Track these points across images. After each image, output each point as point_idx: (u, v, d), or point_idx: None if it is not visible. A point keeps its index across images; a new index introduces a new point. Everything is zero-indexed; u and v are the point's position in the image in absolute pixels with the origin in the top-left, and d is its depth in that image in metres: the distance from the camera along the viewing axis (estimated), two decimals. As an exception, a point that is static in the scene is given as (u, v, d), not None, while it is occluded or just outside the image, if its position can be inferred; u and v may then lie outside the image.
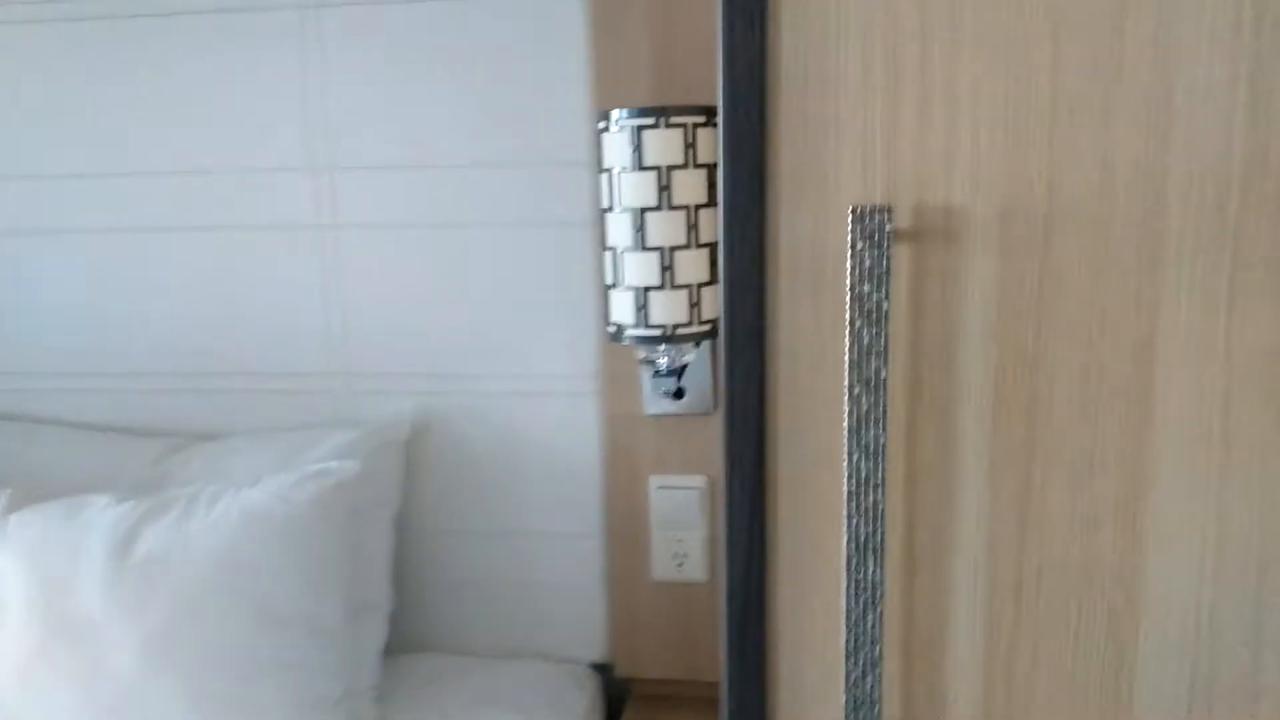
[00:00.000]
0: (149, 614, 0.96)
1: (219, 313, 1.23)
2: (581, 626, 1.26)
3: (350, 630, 1.07)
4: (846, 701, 0.68)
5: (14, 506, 1.03)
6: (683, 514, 1.18)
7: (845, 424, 0.64)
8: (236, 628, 0.98)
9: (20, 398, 1.29)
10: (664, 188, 0.97)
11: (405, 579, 1.25)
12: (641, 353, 1.07)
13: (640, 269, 0.99)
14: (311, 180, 1.18)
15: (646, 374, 1.14)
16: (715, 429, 1.16)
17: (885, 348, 0.63)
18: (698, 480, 1.17)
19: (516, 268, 1.18)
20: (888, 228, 0.62)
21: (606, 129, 0.99)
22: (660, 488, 1.18)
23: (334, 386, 1.24)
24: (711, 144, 1.00)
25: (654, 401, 1.15)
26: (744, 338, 0.66)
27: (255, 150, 1.19)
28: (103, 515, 1.01)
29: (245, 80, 1.17)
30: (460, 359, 1.21)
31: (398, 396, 1.22)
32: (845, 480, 0.65)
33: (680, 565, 1.20)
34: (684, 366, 1.10)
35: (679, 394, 1.13)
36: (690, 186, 0.98)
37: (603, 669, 1.26)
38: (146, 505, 1.02)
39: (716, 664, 1.21)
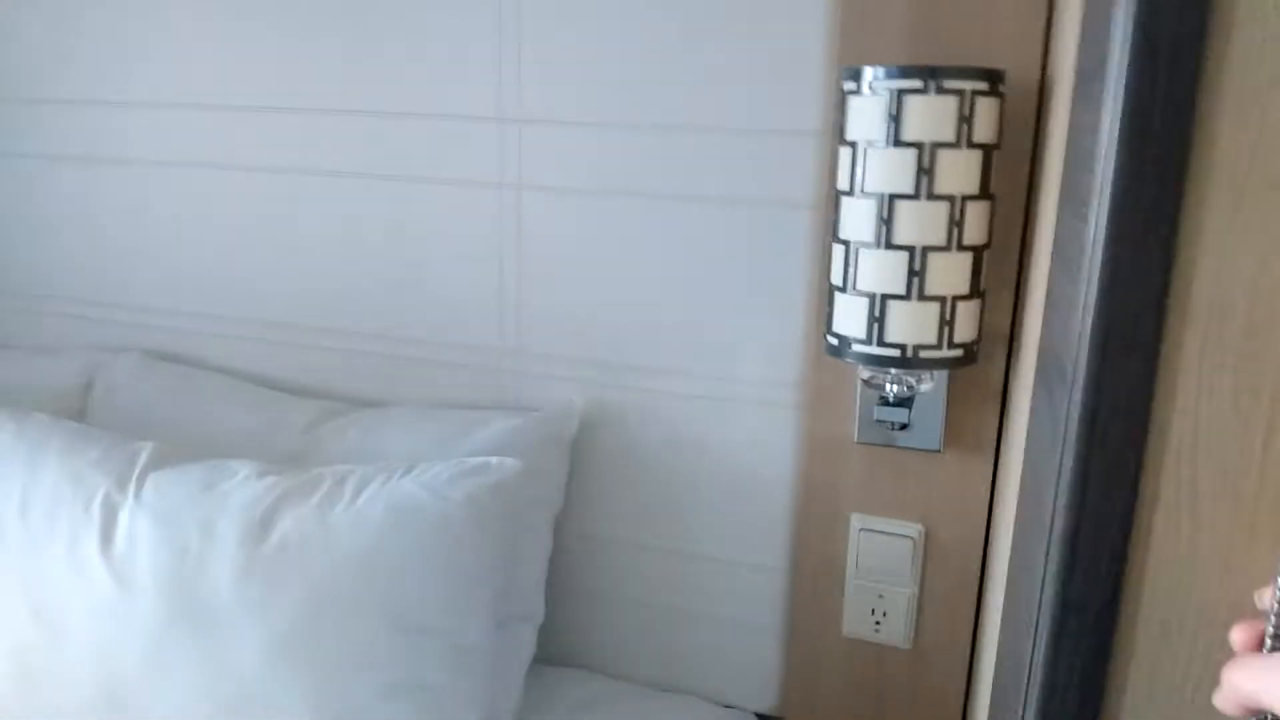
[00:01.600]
0: (279, 609, 0.86)
1: (387, 270, 1.12)
2: (751, 671, 1.08)
3: (495, 647, 0.94)
4: None
5: (155, 464, 0.95)
6: (888, 565, 0.98)
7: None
8: (371, 634, 0.87)
9: (176, 338, 1.23)
10: (925, 171, 0.76)
11: (557, 587, 1.11)
12: (866, 374, 0.87)
13: (881, 271, 0.79)
14: (499, 133, 1.04)
15: (866, 396, 0.94)
16: (943, 469, 0.95)
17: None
18: (912, 529, 0.97)
19: (718, 251, 0.99)
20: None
21: (856, 91, 0.79)
22: (864, 529, 0.98)
23: (503, 365, 1.10)
24: (992, 118, 0.78)
25: (869, 429, 0.95)
26: (1115, 415, 0.46)
27: (441, 96, 1.06)
28: (242, 489, 0.91)
29: (437, 20, 1.04)
30: (643, 349, 1.04)
31: (569, 384, 1.08)
32: None
33: (878, 625, 1.00)
34: (911, 395, 0.89)
35: (903, 426, 0.92)
36: (959, 172, 0.77)
37: (769, 721, 1.09)
38: (288, 483, 0.92)
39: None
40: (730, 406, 1.03)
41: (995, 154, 0.79)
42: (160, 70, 1.17)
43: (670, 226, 1.00)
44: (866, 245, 0.80)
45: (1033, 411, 0.69)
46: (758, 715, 1.09)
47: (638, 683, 1.12)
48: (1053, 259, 0.65)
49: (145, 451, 0.96)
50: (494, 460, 0.93)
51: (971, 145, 0.76)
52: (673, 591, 1.09)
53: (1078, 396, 0.48)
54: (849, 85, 0.80)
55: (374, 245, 1.12)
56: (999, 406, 0.91)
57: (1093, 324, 0.45)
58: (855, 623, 1.01)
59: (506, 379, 1.11)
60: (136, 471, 0.94)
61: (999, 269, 0.87)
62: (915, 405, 0.91)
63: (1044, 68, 0.83)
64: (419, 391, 1.14)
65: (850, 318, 0.82)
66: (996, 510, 0.92)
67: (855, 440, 0.96)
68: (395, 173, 1.09)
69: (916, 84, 0.75)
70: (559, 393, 1.08)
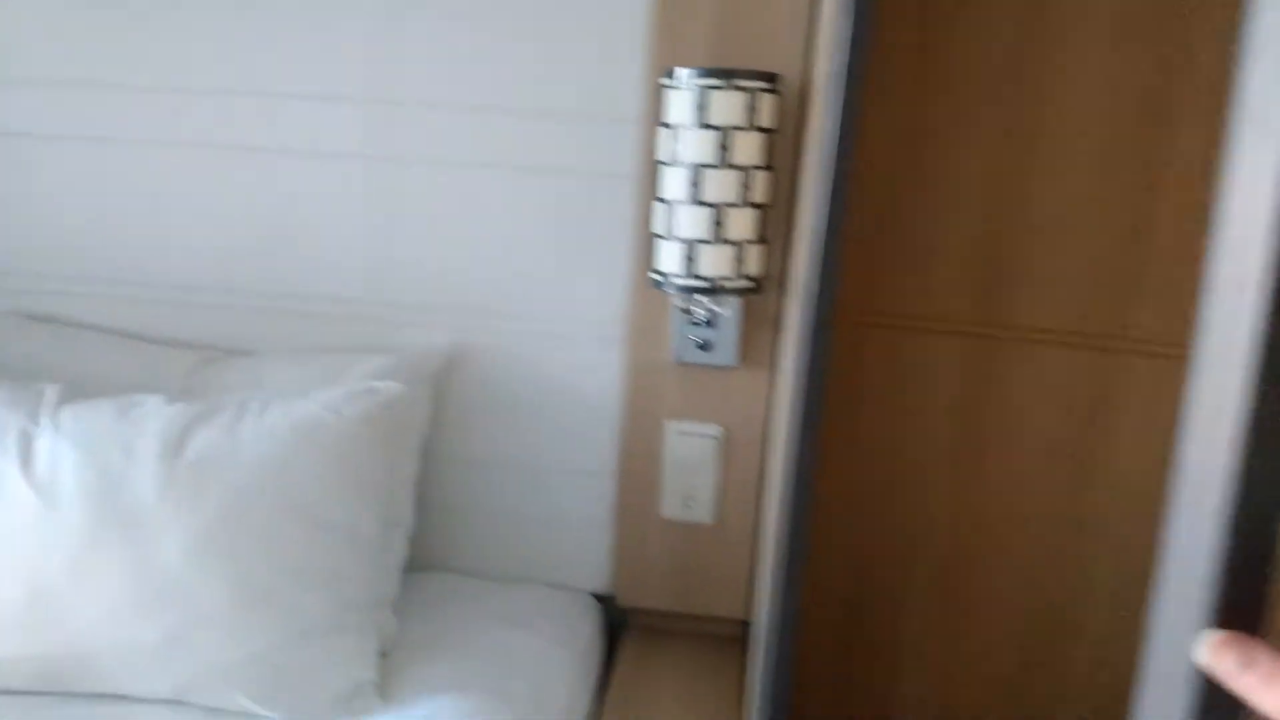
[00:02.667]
0: (199, 512, 1.00)
1: (261, 233, 1.26)
2: (587, 558, 1.33)
3: (380, 542, 1.13)
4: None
5: (66, 399, 1.05)
6: (697, 459, 1.25)
7: None
8: (280, 529, 1.03)
9: (58, 300, 1.30)
10: (724, 147, 1.03)
11: (425, 502, 1.30)
12: (681, 302, 1.14)
13: (692, 222, 1.05)
14: (365, 110, 1.21)
15: (678, 323, 1.20)
16: (736, 381, 1.23)
17: None
18: (715, 429, 1.24)
19: (556, 213, 1.22)
20: None
21: (673, 86, 1.04)
22: (678, 433, 1.25)
23: (371, 314, 1.27)
24: (772, 109, 1.05)
25: (682, 351, 1.21)
26: (825, 327, 0.72)
27: (312, 75, 1.21)
28: (156, 414, 1.04)
29: (308, 5, 1.19)
30: (496, 297, 1.25)
31: (432, 329, 1.27)
32: None
33: (689, 507, 1.27)
34: (714, 319, 1.17)
35: (706, 345, 1.20)
36: (749, 149, 1.04)
37: (606, 599, 1.34)
38: (197, 409, 1.06)
39: (713, 599, 1.29)
40: (569, 341, 1.26)
41: (775, 136, 1.07)
42: (37, 46, 1.24)
43: (517, 193, 1.22)
44: (681, 203, 1.05)
45: (791, 329, 0.97)
46: (595, 595, 1.34)
47: (496, 579, 1.33)
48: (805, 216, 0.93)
49: (52, 390, 1.06)
50: (381, 384, 1.12)
51: (757, 129, 1.04)
52: (522, 499, 1.31)
53: (810, 315, 0.75)
54: (666, 82, 1.05)
55: (248, 210, 1.25)
56: (776, 329, 1.20)
57: (815, 256, 0.73)
58: (671, 507, 1.28)
59: (373, 326, 1.28)
60: (48, 407, 1.04)
61: (776, 222, 1.16)
62: (716, 330, 1.19)
63: (806, 72, 1.12)
64: (293, 341, 1.29)
65: (670, 258, 1.07)
66: (772, 413, 1.21)
67: (671, 361, 1.23)
68: (269, 145, 1.23)
69: (718, 82, 1.02)
70: (423, 337, 1.27)
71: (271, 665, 1.01)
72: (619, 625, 1.34)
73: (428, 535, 1.31)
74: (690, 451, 1.25)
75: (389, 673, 1.08)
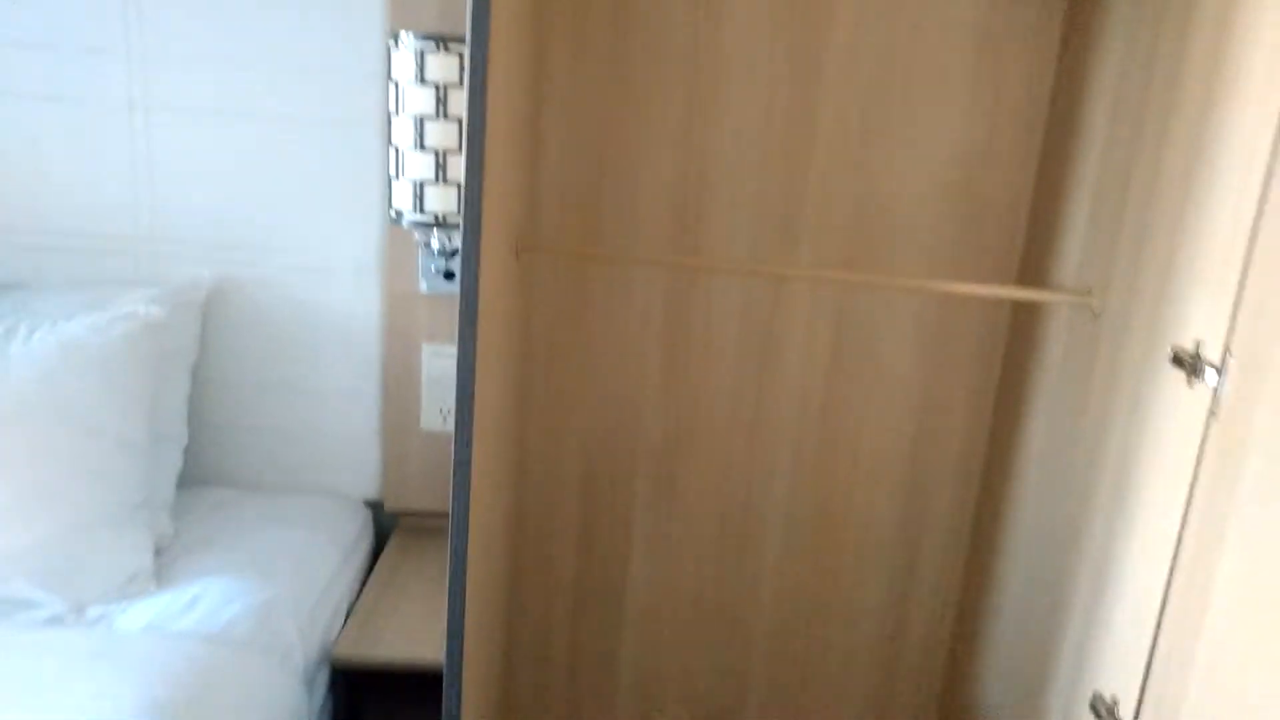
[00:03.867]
0: (-27, 424, 1.12)
1: (28, 175, 1.36)
2: (359, 469, 1.50)
3: (152, 452, 1.27)
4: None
5: None
6: (449, 376, 1.44)
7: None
8: (53, 436, 1.15)
9: None
10: (441, 101, 1.21)
11: (201, 421, 1.44)
12: (422, 236, 1.31)
13: (419, 166, 1.23)
14: (128, 64, 1.33)
15: (423, 256, 1.38)
16: (479, 307, 1.41)
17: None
18: (462, 349, 1.43)
19: (315, 159, 1.37)
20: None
21: (397, 47, 1.21)
22: (431, 354, 1.43)
23: (139, 249, 1.40)
24: (483, 70, 1.23)
25: (430, 282, 1.39)
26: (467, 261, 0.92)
27: (76, 28, 1.31)
28: (-78, 338, 1.15)
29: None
30: (259, 234, 1.40)
31: (198, 264, 1.40)
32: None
33: (444, 418, 1.46)
34: (455, 251, 1.35)
35: (449, 275, 1.38)
36: (462, 103, 1.22)
37: (375, 505, 1.51)
38: (-35, 331, 1.17)
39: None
40: (331, 275, 1.42)
41: (486, 92, 1.25)
42: None
43: (277, 141, 1.36)
44: (409, 149, 1.23)
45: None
46: (365, 501, 1.51)
47: (272, 491, 1.48)
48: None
49: None
50: (142, 309, 1.25)
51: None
52: (294, 418, 1.47)
53: (466, 244, 0.94)
54: (392, 43, 1.21)
55: (14, 155, 1.35)
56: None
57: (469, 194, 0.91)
58: (430, 420, 1.46)
59: (143, 262, 1.40)
60: None
61: (502, 169, 1.35)
62: (455, 261, 1.37)
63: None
64: (64, 276, 1.40)
65: (403, 198, 1.25)
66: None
67: (421, 291, 1.40)
68: (37, 94, 1.33)
69: (433, 45, 1.19)
70: (190, 270, 1.40)
71: (50, 555, 1.14)
72: (390, 528, 1.52)
73: (205, 451, 1.46)
74: (445, 370, 1.44)
75: (164, 565, 1.23)
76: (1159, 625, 0.91)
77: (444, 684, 1.04)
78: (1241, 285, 0.83)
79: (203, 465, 1.46)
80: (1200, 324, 0.90)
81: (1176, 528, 0.89)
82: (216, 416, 1.46)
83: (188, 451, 1.41)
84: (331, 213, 1.39)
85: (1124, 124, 1.12)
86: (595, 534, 1.52)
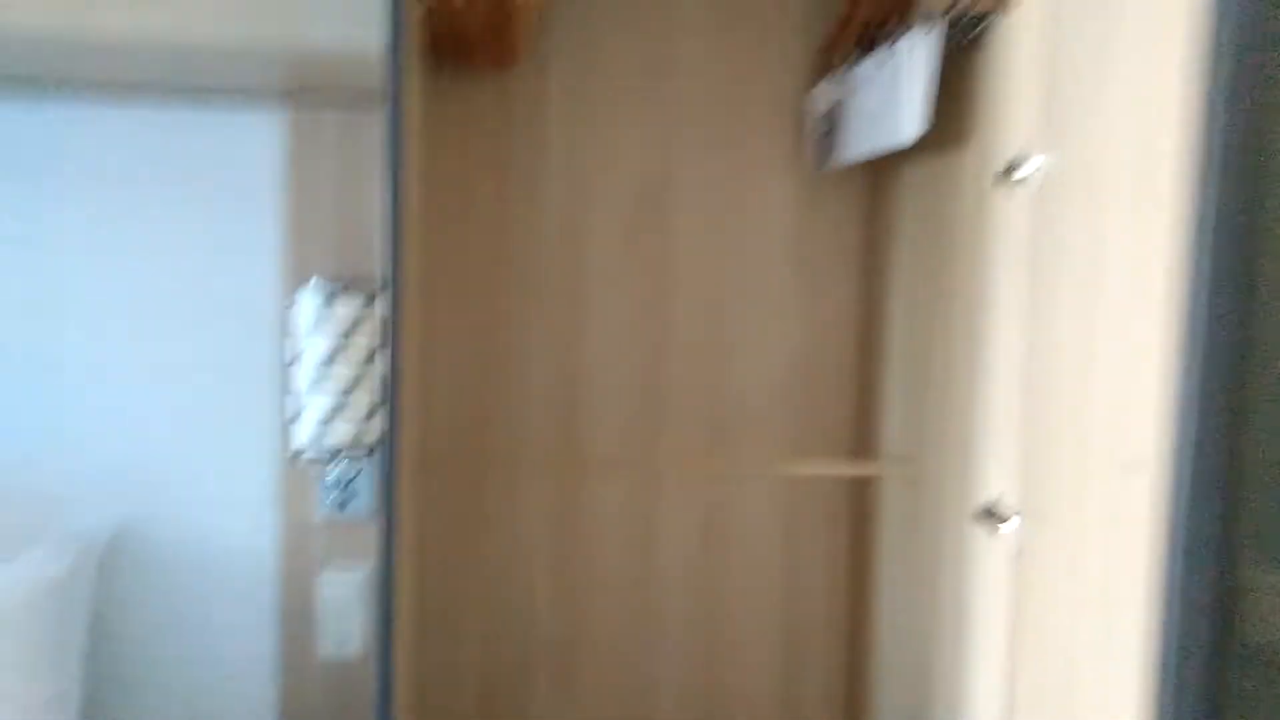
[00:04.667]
0: None
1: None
2: (258, 704, 1.49)
3: (57, 707, 1.25)
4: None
5: None
6: (347, 600, 1.49)
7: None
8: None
9: None
10: (344, 337, 1.34)
11: (100, 670, 1.42)
12: (320, 468, 1.41)
13: (321, 404, 1.34)
14: (25, 322, 1.40)
15: (323, 491, 1.46)
16: (374, 529, 1.49)
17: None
18: (359, 572, 1.49)
19: (210, 402, 1.46)
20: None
21: (302, 292, 1.35)
22: (328, 580, 1.49)
23: (34, 503, 1.42)
24: (379, 309, 1.39)
25: (326, 508, 1.47)
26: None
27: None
28: None
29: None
30: (158, 479, 1.45)
31: (101, 507, 1.43)
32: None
33: (342, 644, 1.49)
34: (351, 479, 1.44)
35: (345, 502, 1.46)
36: (363, 341, 1.36)
37: (274, 738, 1.51)
38: None
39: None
40: (227, 511, 1.47)
41: (386, 327, 1.40)
42: None
43: (174, 386, 1.45)
44: (311, 388, 1.34)
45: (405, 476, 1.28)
46: (265, 733, 1.50)
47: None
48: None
49: None
50: (42, 570, 1.27)
51: (369, 325, 1.36)
52: (192, 657, 1.47)
53: (383, 464, 1.06)
54: (297, 289, 1.36)
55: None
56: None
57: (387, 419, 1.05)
58: (325, 650, 1.49)
59: (40, 511, 1.42)
60: None
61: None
62: (352, 490, 1.46)
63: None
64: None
65: (306, 432, 1.35)
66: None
67: (317, 521, 1.47)
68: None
69: (335, 292, 1.34)
70: (92, 516, 1.43)
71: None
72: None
73: (104, 697, 1.43)
74: (340, 596, 1.49)
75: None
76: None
77: None
78: (1024, 451, 1.06)
79: (103, 711, 1.43)
80: (996, 483, 1.12)
81: (1005, 658, 1.07)
82: (115, 662, 1.44)
83: (86, 699, 1.38)
84: (228, 452, 1.46)
85: (918, 318, 1.39)
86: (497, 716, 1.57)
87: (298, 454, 1.35)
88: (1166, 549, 0.83)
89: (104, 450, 1.43)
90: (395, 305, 1.05)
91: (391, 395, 1.04)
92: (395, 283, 1.05)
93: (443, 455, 1.51)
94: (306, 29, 1.20)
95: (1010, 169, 1.13)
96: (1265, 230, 0.82)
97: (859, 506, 1.61)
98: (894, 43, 1.28)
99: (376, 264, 1.46)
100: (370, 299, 1.36)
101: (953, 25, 1.22)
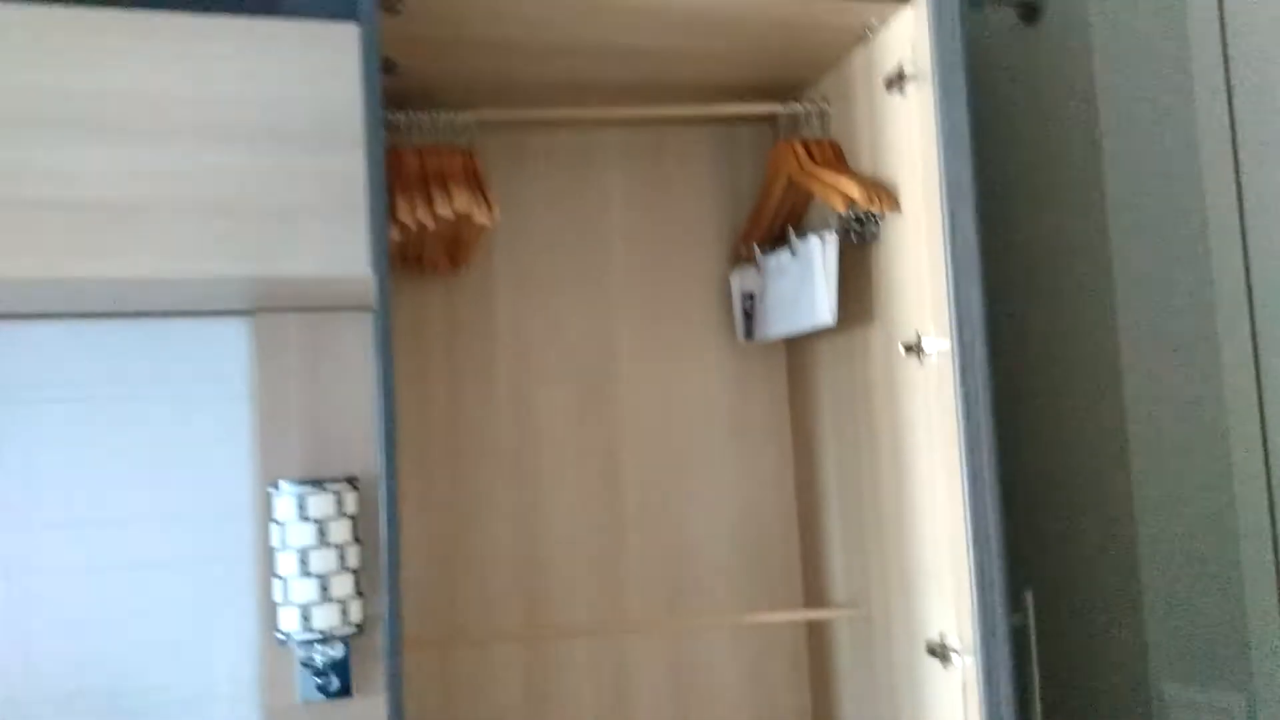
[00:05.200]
0: None
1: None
2: None
3: None
4: None
5: None
6: (330, 783, 1.52)
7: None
8: None
9: None
10: (322, 533, 1.43)
11: None
12: (303, 654, 1.47)
13: (304, 591, 1.42)
14: (8, 528, 1.46)
15: (304, 675, 1.51)
16: (355, 710, 1.54)
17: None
18: (342, 753, 1.53)
19: (188, 598, 1.52)
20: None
21: (278, 493, 1.44)
22: (311, 764, 1.52)
23: (11, 696, 1.43)
24: (355, 501, 1.49)
25: (307, 693, 1.52)
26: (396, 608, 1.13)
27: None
28: None
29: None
30: (138, 678, 1.48)
31: (81, 703, 1.45)
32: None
33: (328, 828, 1.51)
34: (337, 662, 1.50)
35: (327, 686, 1.52)
36: (341, 531, 1.45)
37: None
38: None
39: None
40: (208, 702, 1.51)
41: (359, 518, 1.49)
42: None
43: (152, 585, 1.50)
44: (294, 577, 1.42)
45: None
46: None
47: None
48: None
49: None
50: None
51: (346, 516, 1.46)
52: None
53: (386, 648, 1.15)
54: (271, 489, 1.45)
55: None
56: (381, 663, 1.56)
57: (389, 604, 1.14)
58: (312, 833, 1.51)
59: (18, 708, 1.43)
60: None
61: (371, 580, 1.55)
62: (333, 669, 1.51)
63: (376, 469, 1.58)
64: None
65: (289, 620, 1.42)
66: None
67: (299, 703, 1.52)
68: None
69: (311, 488, 1.44)
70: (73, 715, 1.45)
71: None
72: None
73: None
74: (324, 779, 1.52)
75: None
76: None
77: None
78: (957, 588, 1.21)
79: None
80: (941, 620, 1.25)
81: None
82: None
83: None
84: (206, 645, 1.51)
85: (847, 472, 1.55)
86: None
87: (286, 638, 1.41)
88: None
89: (82, 649, 1.47)
90: (390, 497, 1.17)
91: (392, 580, 1.14)
92: (389, 476, 1.17)
93: (413, 634, 1.58)
94: (284, 262, 1.29)
95: (913, 346, 1.32)
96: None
97: (818, 651, 1.72)
98: (803, 238, 1.50)
99: (344, 459, 1.57)
100: (339, 495, 1.46)
101: (856, 220, 1.44)
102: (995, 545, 1.21)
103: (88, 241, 1.20)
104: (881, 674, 1.46)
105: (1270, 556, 0.95)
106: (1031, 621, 1.21)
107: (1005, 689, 1.16)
